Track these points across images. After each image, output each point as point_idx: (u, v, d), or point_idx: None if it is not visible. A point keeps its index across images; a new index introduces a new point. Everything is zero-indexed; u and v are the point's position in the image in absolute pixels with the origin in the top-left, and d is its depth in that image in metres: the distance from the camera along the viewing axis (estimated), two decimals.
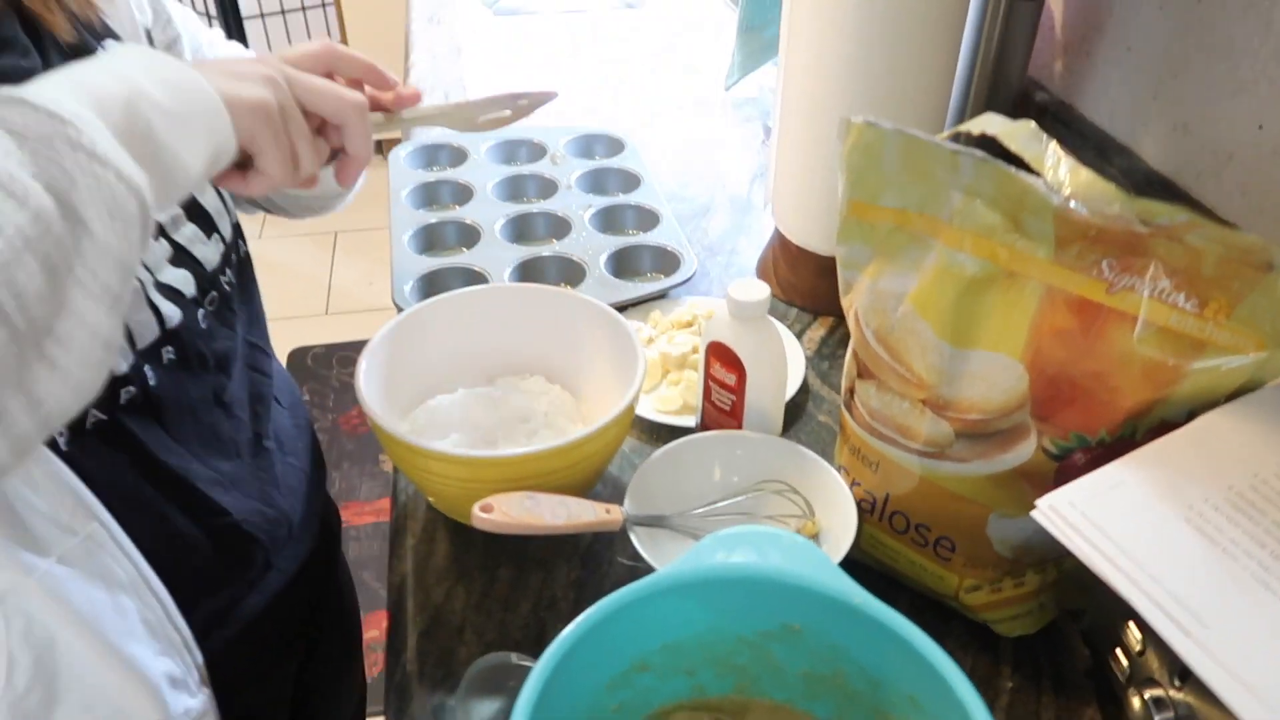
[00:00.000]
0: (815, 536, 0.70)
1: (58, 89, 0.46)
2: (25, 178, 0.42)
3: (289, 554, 0.75)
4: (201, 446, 0.66)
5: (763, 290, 0.70)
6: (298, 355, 2.62)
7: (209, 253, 0.68)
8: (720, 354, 0.72)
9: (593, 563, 0.74)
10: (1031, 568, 0.65)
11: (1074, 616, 0.67)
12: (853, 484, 0.69)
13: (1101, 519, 0.49)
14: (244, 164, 0.59)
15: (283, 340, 2.61)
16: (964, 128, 0.62)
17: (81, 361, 0.45)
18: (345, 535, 2.11)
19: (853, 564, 0.65)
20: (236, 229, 0.74)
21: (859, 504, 0.68)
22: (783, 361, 0.73)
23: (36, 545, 0.54)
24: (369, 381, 0.71)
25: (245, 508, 0.69)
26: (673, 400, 0.87)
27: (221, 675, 0.68)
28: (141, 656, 0.59)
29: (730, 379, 0.72)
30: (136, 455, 0.61)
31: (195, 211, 0.69)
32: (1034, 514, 0.51)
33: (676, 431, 0.85)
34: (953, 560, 0.65)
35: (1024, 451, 0.59)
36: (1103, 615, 0.61)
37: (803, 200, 0.96)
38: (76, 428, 0.57)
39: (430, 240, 1.09)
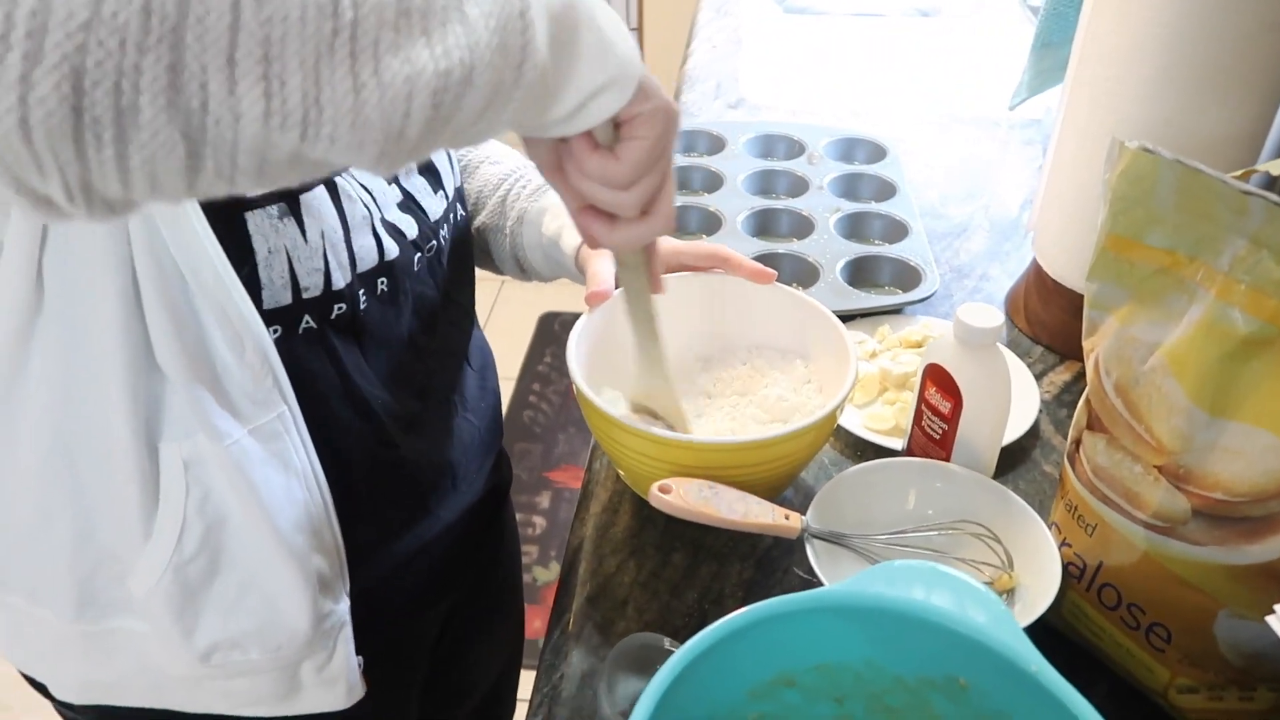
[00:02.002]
0: (1010, 592, 0.64)
1: None
2: None
3: (450, 504, 0.78)
4: (392, 380, 0.70)
5: (994, 318, 0.65)
6: (547, 320, 2.75)
7: (434, 205, 0.72)
8: (938, 378, 0.67)
9: (768, 567, 0.72)
10: (1266, 682, 0.56)
11: None
12: (1062, 543, 0.63)
13: None
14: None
15: (536, 304, 2.76)
16: (1263, 167, 0.54)
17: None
18: (558, 497, 2.21)
19: (1049, 631, 0.59)
20: (458, 193, 0.78)
21: (1066, 567, 0.62)
22: (1006, 397, 0.67)
23: (236, 412, 0.59)
24: (578, 347, 0.73)
25: (415, 448, 0.73)
26: (885, 420, 0.83)
27: (365, 607, 0.71)
28: (300, 547, 0.63)
29: (945, 406, 0.68)
30: (334, 368, 0.65)
31: (426, 166, 0.73)
32: (1271, 619, 0.44)
33: (881, 452, 0.80)
34: (1167, 652, 0.58)
35: (1275, 547, 0.51)
36: None
37: (1068, 231, 0.88)
38: (290, 326, 0.61)
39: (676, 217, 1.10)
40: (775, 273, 0.78)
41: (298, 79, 0.33)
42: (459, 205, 0.78)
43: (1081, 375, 0.90)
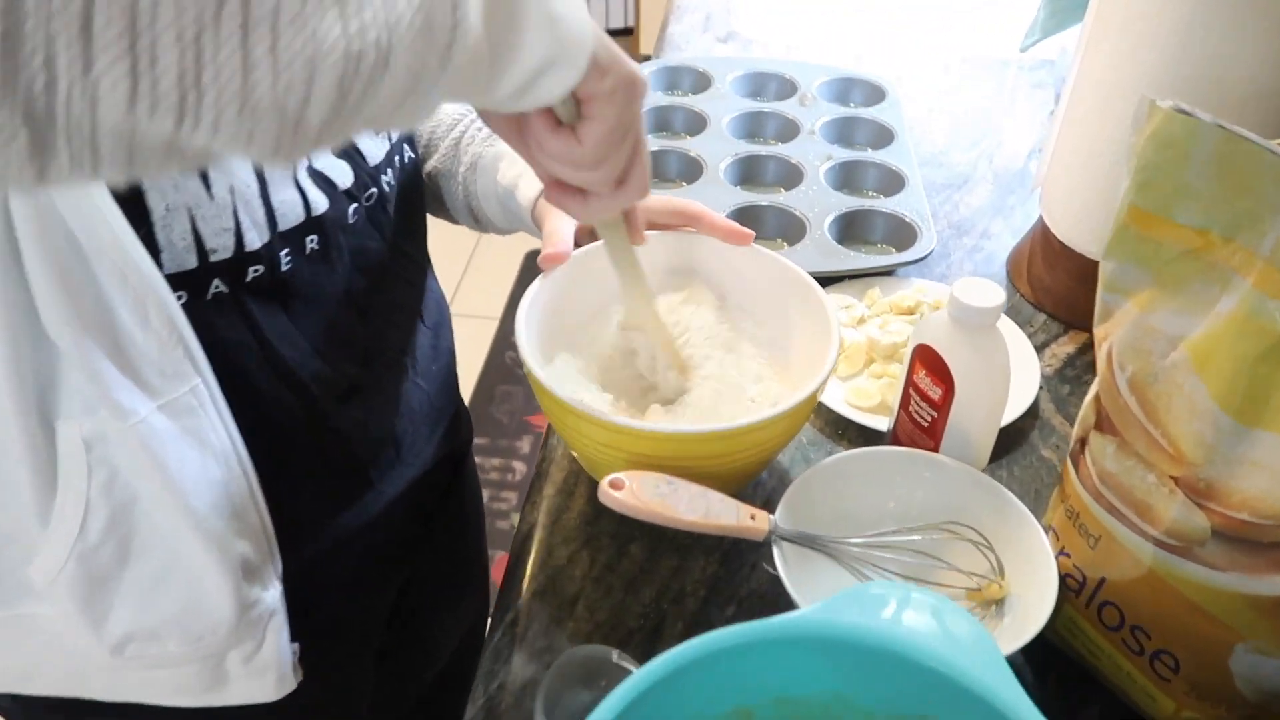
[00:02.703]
0: (999, 602, 0.58)
1: None
2: None
3: (394, 477, 0.72)
4: (328, 344, 0.63)
5: (995, 296, 0.57)
6: (532, 257, 2.66)
7: (374, 147, 0.64)
8: (929, 361, 0.60)
9: (734, 562, 0.65)
10: None
11: None
12: (1060, 552, 0.56)
13: None
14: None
15: (520, 240, 2.66)
16: None
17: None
18: (539, 442, 2.15)
19: (1040, 642, 0.53)
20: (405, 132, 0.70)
21: (1063, 579, 0.55)
22: (1004, 384, 0.60)
23: (143, 386, 0.53)
24: (530, 315, 0.65)
25: (352, 418, 0.66)
26: (869, 395, 0.75)
27: (306, 585, 0.66)
28: (221, 532, 0.57)
29: (935, 393, 0.60)
30: (253, 336, 0.58)
31: None
32: None
33: (864, 432, 0.74)
34: (1173, 682, 0.51)
35: None
36: None
37: (1079, 191, 0.80)
38: (197, 292, 0.54)
39: (653, 170, 1.01)
40: (752, 233, 0.70)
41: (173, 55, 0.27)
42: (406, 146, 0.70)
43: (1088, 347, 0.83)
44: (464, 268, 2.53)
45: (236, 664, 0.64)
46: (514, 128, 0.50)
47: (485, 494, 2.07)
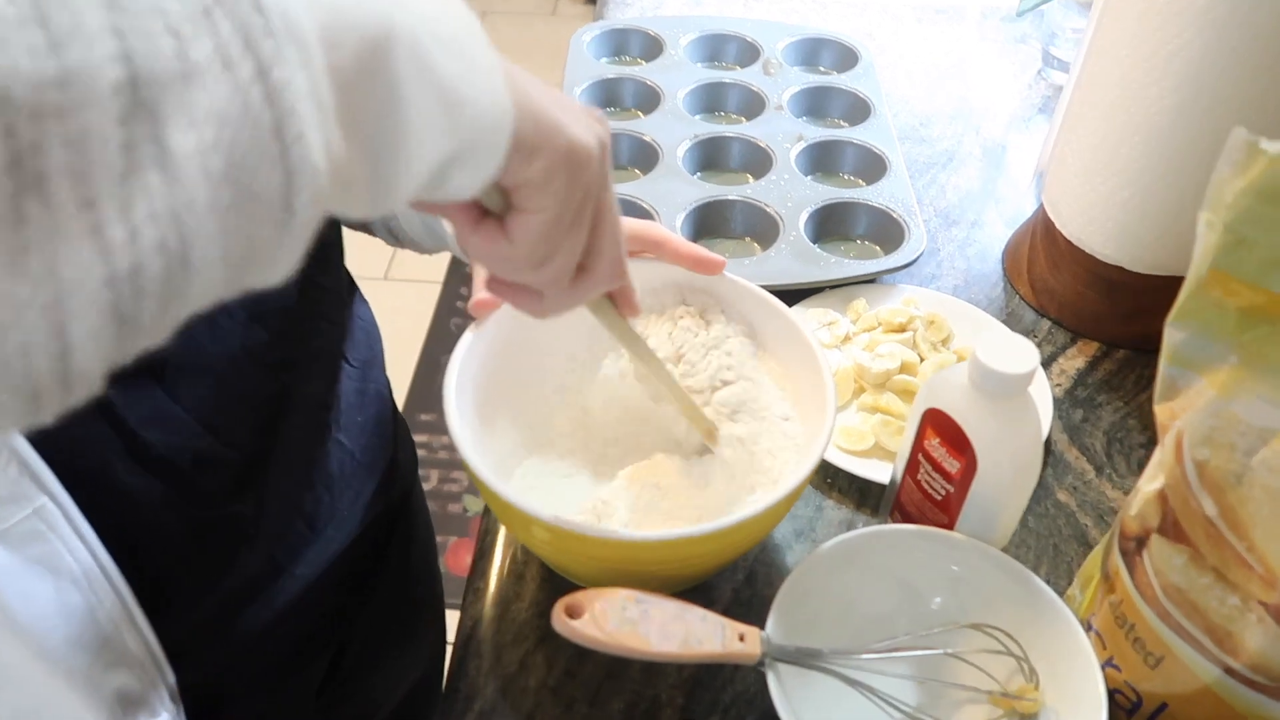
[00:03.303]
0: (1033, 716, 0.49)
1: None
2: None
3: (312, 557, 0.61)
4: (217, 418, 0.52)
5: (1028, 359, 0.47)
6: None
7: None
8: (944, 429, 0.50)
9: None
10: None
11: None
12: (1107, 663, 0.47)
13: None
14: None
15: None
16: None
17: None
18: None
19: None
20: None
21: (1112, 695, 0.46)
22: (1036, 457, 0.50)
23: None
24: (461, 376, 0.54)
25: (249, 501, 0.55)
26: (861, 437, 0.65)
27: (212, 692, 0.57)
28: (88, 667, 0.48)
29: (952, 466, 0.50)
30: (111, 427, 0.48)
31: None
32: None
33: (858, 484, 0.64)
34: None
35: None
36: None
37: (1094, 184, 0.70)
38: None
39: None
40: (724, 261, 0.59)
41: None
42: None
43: (1100, 360, 0.73)
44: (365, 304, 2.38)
45: None
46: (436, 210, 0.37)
47: (435, 475, 1.97)
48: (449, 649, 0.61)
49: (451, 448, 2.14)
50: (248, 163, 0.22)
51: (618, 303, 0.48)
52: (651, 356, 0.53)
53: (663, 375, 0.54)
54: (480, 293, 0.56)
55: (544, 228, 0.34)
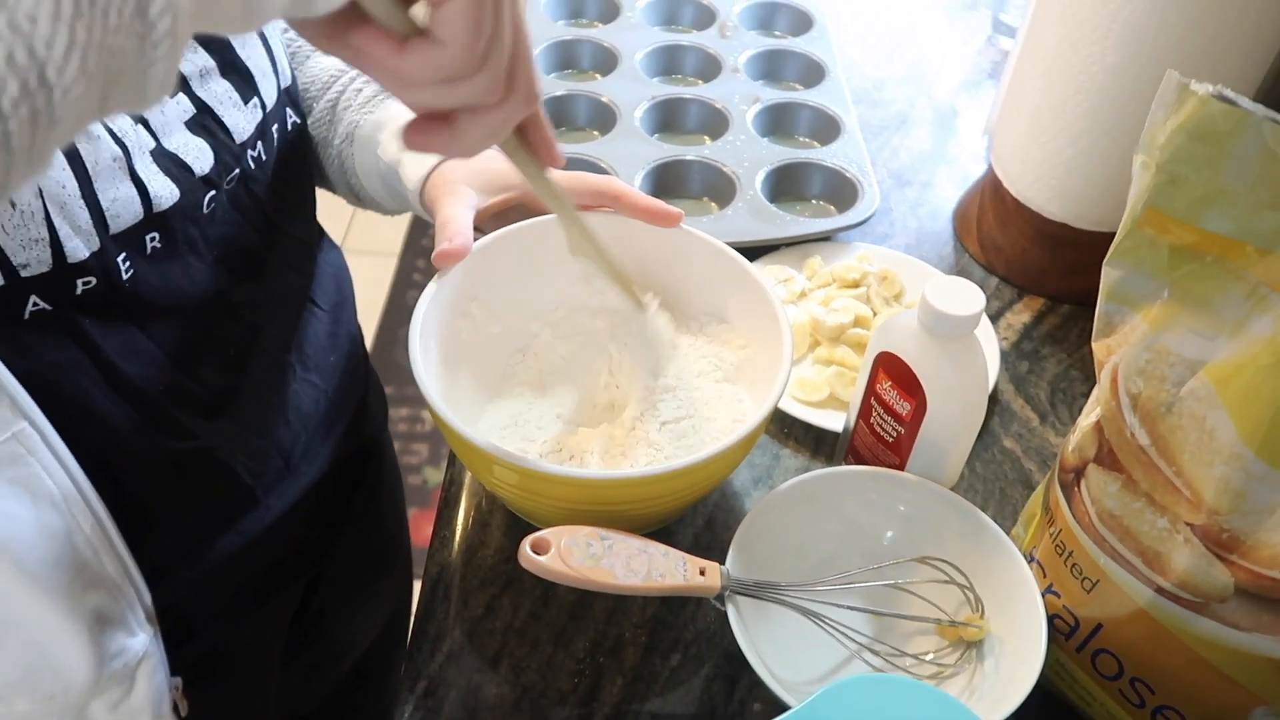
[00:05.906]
0: (978, 644, 0.51)
1: None
2: None
3: (284, 490, 0.62)
4: (187, 355, 0.53)
5: (975, 301, 0.49)
6: None
7: (241, 121, 0.52)
8: (895, 371, 0.52)
9: (677, 600, 0.57)
10: None
11: None
12: (1048, 589, 0.50)
13: None
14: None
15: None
16: None
17: None
18: None
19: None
20: (286, 95, 0.57)
21: (1051, 619, 0.49)
22: (982, 397, 0.53)
23: None
24: (425, 327, 0.55)
25: (224, 433, 0.57)
26: (816, 388, 0.67)
27: (186, 616, 0.58)
28: (65, 586, 0.49)
29: (903, 407, 0.52)
30: (89, 357, 0.49)
31: (231, 66, 0.52)
32: None
33: (814, 433, 0.66)
34: None
35: None
36: None
37: (1039, 141, 0.72)
38: (10, 316, 0.45)
39: (559, 117, 0.89)
40: (681, 214, 0.60)
41: None
42: (289, 111, 0.58)
43: (1045, 315, 0.76)
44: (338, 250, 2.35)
45: (103, 711, 0.56)
46: (344, 50, 0.36)
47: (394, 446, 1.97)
48: (415, 598, 0.62)
49: (410, 419, 2.13)
50: None
51: (536, 149, 0.47)
52: (569, 212, 0.54)
53: (585, 237, 0.54)
54: (443, 243, 0.57)
55: (469, 7, 0.33)
